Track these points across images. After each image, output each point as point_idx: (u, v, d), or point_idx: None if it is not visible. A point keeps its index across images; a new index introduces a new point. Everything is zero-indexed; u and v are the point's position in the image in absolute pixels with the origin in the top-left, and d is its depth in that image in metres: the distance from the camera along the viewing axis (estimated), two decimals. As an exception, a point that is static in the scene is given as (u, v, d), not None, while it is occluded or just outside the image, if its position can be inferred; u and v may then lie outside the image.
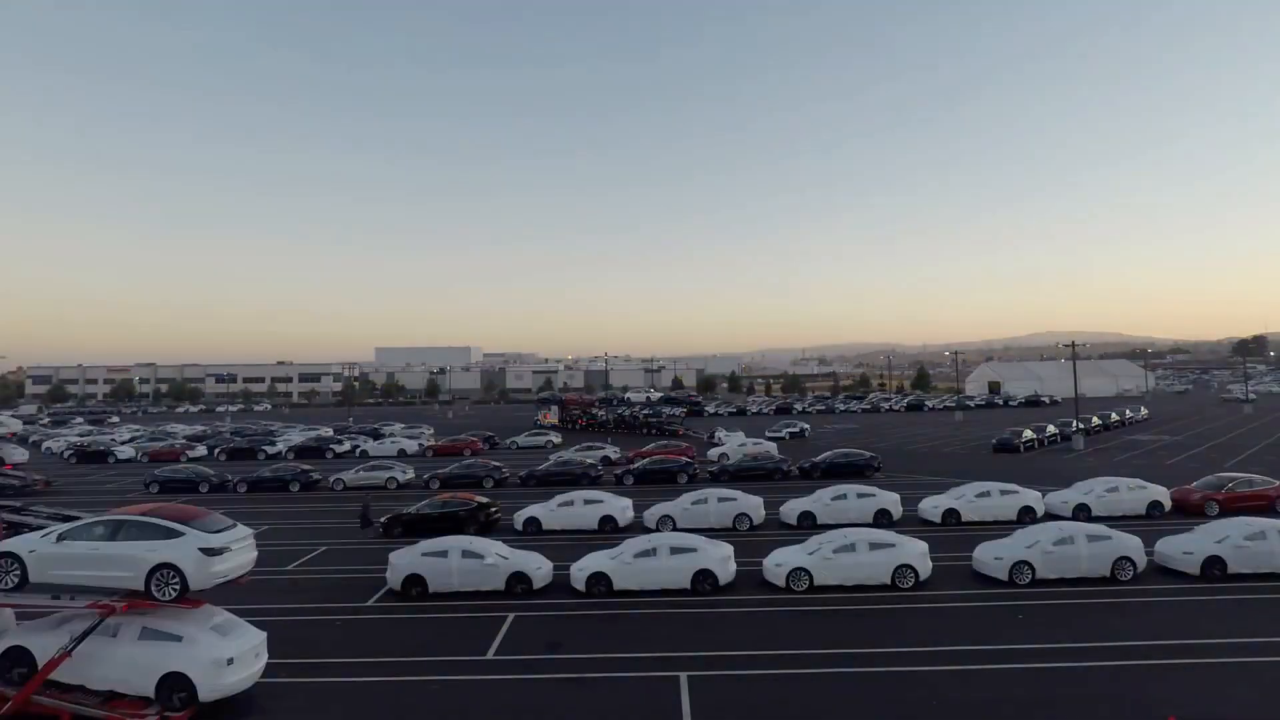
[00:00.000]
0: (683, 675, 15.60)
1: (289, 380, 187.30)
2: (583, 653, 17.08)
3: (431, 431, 69.73)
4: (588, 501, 30.05)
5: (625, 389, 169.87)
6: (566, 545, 27.48)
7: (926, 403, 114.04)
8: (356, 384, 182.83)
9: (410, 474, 43.86)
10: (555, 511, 29.77)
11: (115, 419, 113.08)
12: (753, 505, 29.93)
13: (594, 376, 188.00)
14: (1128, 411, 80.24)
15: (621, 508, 30.20)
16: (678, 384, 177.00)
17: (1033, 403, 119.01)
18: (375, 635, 18.70)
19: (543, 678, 15.77)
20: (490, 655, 17.15)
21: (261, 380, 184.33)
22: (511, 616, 19.67)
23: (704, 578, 21.40)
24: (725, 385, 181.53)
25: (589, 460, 45.97)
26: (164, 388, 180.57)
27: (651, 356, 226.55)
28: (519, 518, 29.84)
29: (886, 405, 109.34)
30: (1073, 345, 68.77)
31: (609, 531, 29.32)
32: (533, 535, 29.23)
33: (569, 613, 20.04)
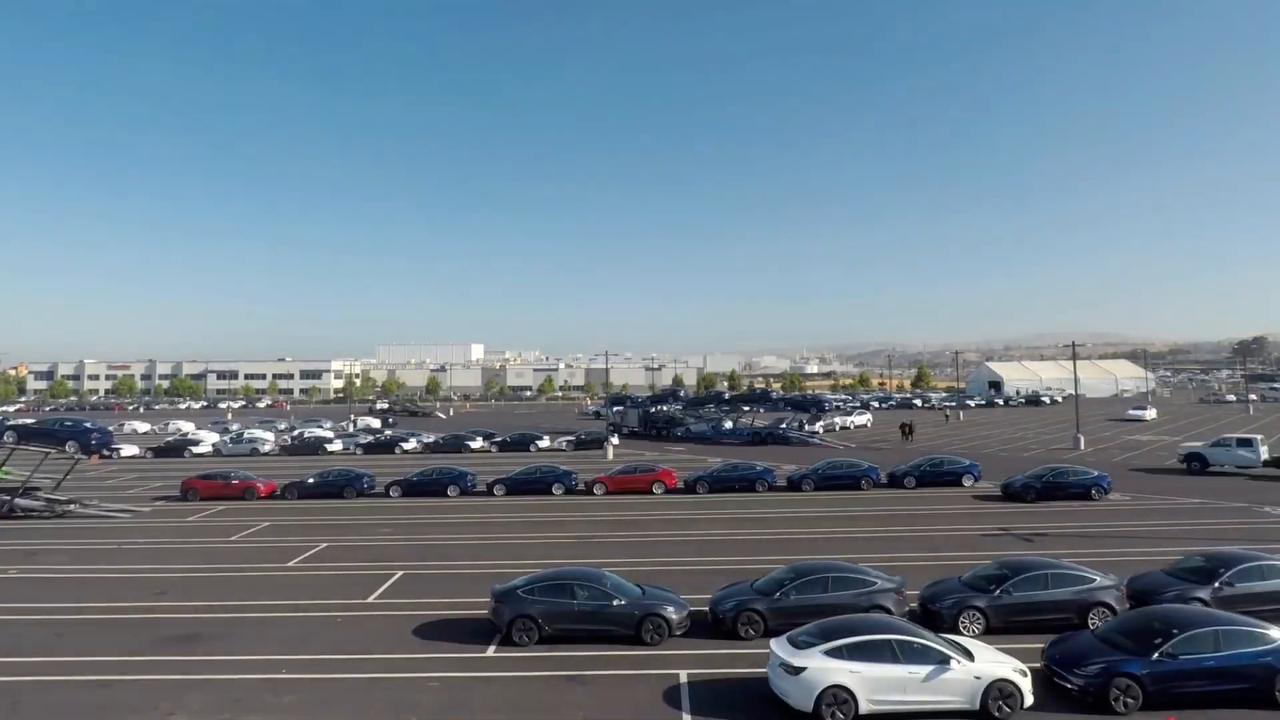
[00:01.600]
0: (683, 673, 15.67)
1: (290, 377, 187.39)
2: (583, 650, 17.14)
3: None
4: None
5: (625, 387, 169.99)
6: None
7: (930, 400, 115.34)
8: (357, 380, 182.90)
9: None
10: None
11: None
12: None
13: (595, 375, 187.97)
14: (1131, 411, 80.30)
15: None
16: (678, 382, 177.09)
17: (1033, 402, 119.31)
18: (375, 631, 18.80)
19: (542, 675, 15.85)
20: (489, 652, 17.22)
21: (263, 377, 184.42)
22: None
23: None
24: (726, 383, 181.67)
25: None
26: (165, 384, 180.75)
27: (652, 355, 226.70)
28: None
29: (881, 406, 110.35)
30: (1072, 345, 68.84)
31: None
32: None
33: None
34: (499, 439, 62.70)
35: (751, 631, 17.33)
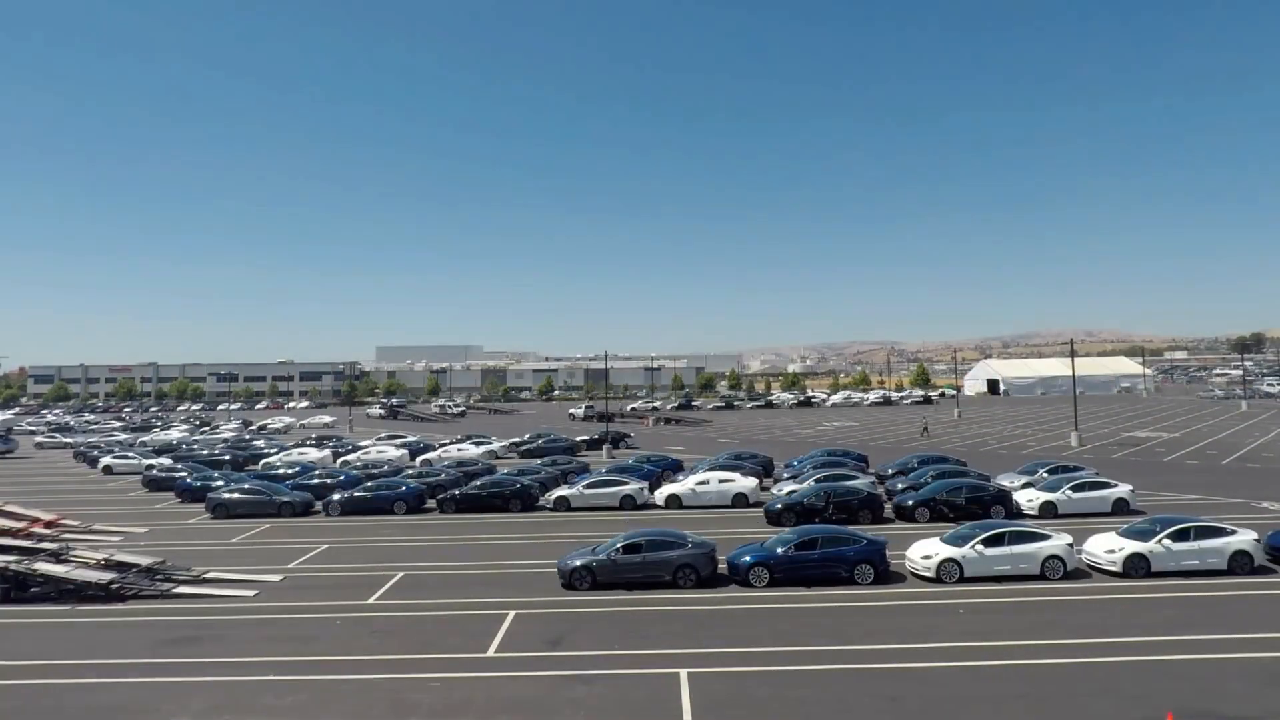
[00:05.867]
0: (683, 672, 15.73)
1: (290, 379, 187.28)
2: (583, 649, 17.21)
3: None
4: None
5: (626, 388, 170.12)
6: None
7: (933, 397, 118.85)
8: (357, 383, 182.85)
9: None
10: None
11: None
12: None
13: (594, 375, 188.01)
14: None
15: None
16: (678, 383, 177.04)
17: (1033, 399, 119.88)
18: (376, 631, 18.85)
19: (543, 675, 15.90)
20: (491, 652, 17.28)
21: (263, 379, 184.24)
22: (512, 614, 19.80)
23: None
24: (725, 383, 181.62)
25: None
26: (166, 387, 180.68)
27: (651, 354, 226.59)
28: None
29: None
30: (1071, 343, 68.93)
31: None
32: None
33: (569, 610, 20.22)
34: None
35: None
